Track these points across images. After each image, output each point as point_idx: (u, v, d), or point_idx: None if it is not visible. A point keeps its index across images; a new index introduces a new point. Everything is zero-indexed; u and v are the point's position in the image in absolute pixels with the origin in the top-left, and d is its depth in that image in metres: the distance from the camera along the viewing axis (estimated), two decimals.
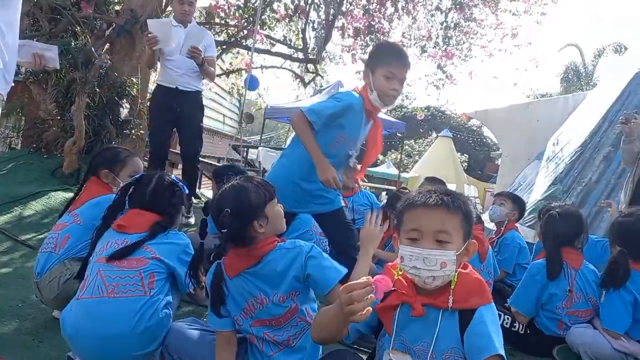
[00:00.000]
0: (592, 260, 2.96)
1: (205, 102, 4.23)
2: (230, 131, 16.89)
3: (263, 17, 6.94)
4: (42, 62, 2.75)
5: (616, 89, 6.69)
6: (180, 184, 2.07)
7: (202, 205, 3.16)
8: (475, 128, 30.75)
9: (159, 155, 4.07)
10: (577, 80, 20.64)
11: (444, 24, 6.95)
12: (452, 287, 1.33)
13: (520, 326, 2.44)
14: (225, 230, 1.59)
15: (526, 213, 6.49)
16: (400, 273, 1.39)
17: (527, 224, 6.07)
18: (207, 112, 15.00)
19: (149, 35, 3.62)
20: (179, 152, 4.41)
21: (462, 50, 7.55)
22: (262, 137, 12.87)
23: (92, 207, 2.19)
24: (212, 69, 4.09)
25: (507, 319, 2.45)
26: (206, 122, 14.30)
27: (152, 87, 5.39)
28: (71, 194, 4.07)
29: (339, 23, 6.94)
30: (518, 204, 3.54)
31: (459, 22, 7.01)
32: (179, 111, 3.94)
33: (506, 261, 3.32)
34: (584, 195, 5.89)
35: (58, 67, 2.92)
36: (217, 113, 16.04)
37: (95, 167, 2.40)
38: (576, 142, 6.63)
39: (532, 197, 6.71)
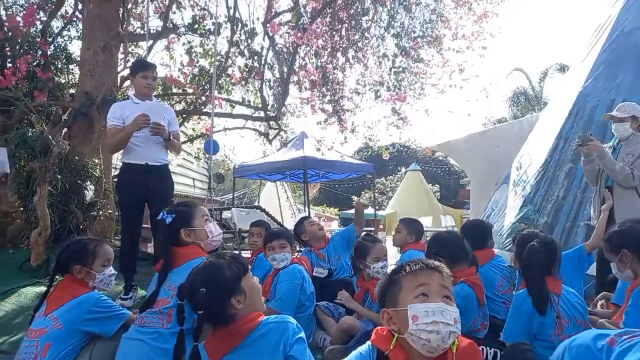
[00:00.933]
0: (571, 274, 2.99)
1: (173, 168, 4.24)
2: (201, 193, 16.77)
3: (220, 81, 7.10)
4: None
5: (565, 107, 7.01)
6: None
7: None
8: (441, 158, 31.49)
9: (132, 233, 3.97)
10: (527, 102, 21.62)
11: (392, 69, 7.25)
12: (454, 350, 1.32)
13: None
14: (202, 312, 1.55)
15: (503, 237, 6.61)
16: (395, 344, 1.35)
17: (506, 248, 6.15)
18: (176, 177, 14.95)
19: (144, 117, 3.61)
20: (149, 226, 4.33)
21: (415, 90, 7.85)
22: (235, 195, 12.82)
23: (73, 309, 2.10)
24: (178, 143, 4.10)
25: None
26: (176, 188, 14.22)
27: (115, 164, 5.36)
28: (42, 288, 3.93)
29: (294, 78, 7.15)
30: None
31: (408, 65, 7.34)
32: (150, 187, 3.88)
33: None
34: (555, 213, 6.03)
35: (8, 172, 2.81)
36: (187, 177, 15.96)
37: (66, 264, 2.29)
38: (537, 162, 6.85)
39: (507, 221, 6.83)
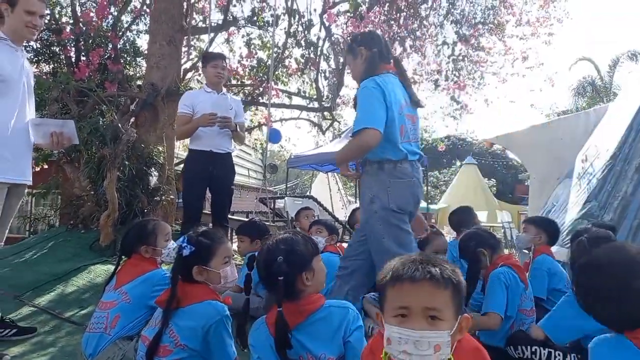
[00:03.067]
0: None
1: None
2: (256, 183, 17.17)
3: (276, 72, 7.22)
4: (61, 140, 2.69)
5: (637, 97, 6.60)
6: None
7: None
8: (499, 152, 30.38)
9: (193, 217, 4.16)
10: (594, 93, 20.36)
11: (452, 57, 7.06)
12: None
13: (574, 359, 2.34)
14: (282, 278, 1.60)
15: (564, 233, 6.33)
16: (387, 357, 1.25)
17: (565, 245, 5.89)
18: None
19: (209, 117, 3.81)
20: (209, 212, 4.52)
21: (475, 79, 7.62)
22: (287, 186, 13.03)
23: (141, 284, 2.25)
24: (243, 134, 4.27)
25: (558, 355, 2.35)
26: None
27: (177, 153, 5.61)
28: (110, 266, 4.21)
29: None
30: (542, 227, 3.44)
31: (467, 53, 7.12)
32: (213, 173, 4.07)
33: (537, 287, 3.20)
34: (622, 210, 5.70)
35: (77, 142, 2.87)
36: (242, 168, 16.39)
37: (131, 246, 2.46)
38: (605, 156, 6.49)
39: (568, 217, 6.52)
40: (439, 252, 2.96)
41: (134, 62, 7.06)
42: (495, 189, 28.22)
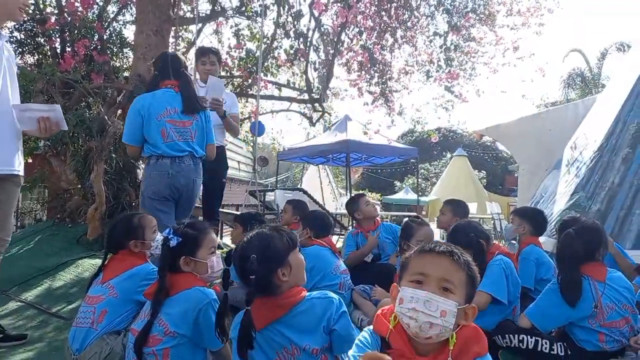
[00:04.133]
0: None
1: None
2: (246, 176, 17.12)
3: (265, 64, 7.16)
4: (48, 125, 2.60)
5: (625, 89, 6.65)
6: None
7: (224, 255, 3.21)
8: (489, 143, 30.60)
9: None
10: (583, 84, 20.51)
11: (444, 47, 7.04)
12: (451, 347, 1.28)
13: (560, 348, 2.36)
14: (253, 277, 1.60)
15: (552, 224, 6.38)
16: (395, 323, 1.34)
17: (554, 236, 5.94)
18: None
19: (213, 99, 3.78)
20: (200, 206, 4.48)
21: (466, 70, 7.61)
22: (278, 179, 13.00)
23: (128, 279, 2.23)
24: (236, 125, 4.23)
25: (545, 343, 2.37)
26: None
27: None
28: (97, 260, 4.17)
29: (342, 60, 7.10)
30: (526, 217, 3.45)
31: (459, 43, 7.10)
32: (205, 167, 4.03)
33: (524, 278, 3.22)
34: (609, 200, 5.76)
35: (66, 128, 2.80)
36: (233, 161, 16.32)
37: (119, 241, 2.41)
38: (593, 147, 6.55)
39: (556, 208, 6.59)
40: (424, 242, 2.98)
41: (120, 53, 6.94)
42: (485, 180, 28.42)
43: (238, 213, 5.18)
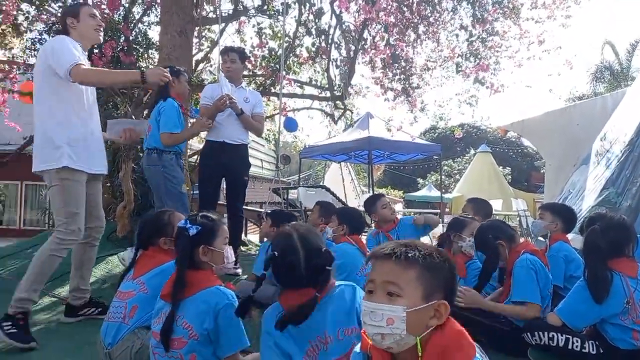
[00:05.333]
0: None
1: None
2: (269, 174, 17.25)
3: (287, 62, 7.19)
4: (129, 135, 3.26)
5: None
6: None
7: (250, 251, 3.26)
8: (513, 139, 30.02)
9: (207, 208, 4.20)
10: (612, 78, 19.96)
11: (469, 40, 6.91)
12: (420, 354, 1.19)
13: (592, 346, 2.32)
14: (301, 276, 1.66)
15: (581, 221, 6.23)
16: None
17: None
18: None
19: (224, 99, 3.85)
20: (225, 203, 4.55)
21: (490, 65, 7.48)
22: (300, 177, 13.04)
23: (158, 275, 2.26)
24: (257, 124, 4.29)
25: (576, 341, 2.33)
26: None
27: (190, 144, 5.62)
28: None
29: (366, 57, 7.07)
30: (558, 214, 3.38)
31: (484, 36, 6.97)
32: (227, 165, 4.09)
33: (554, 275, 3.17)
34: None
35: (144, 137, 3.53)
36: (255, 159, 16.47)
37: (149, 238, 2.47)
38: (623, 140, 6.37)
39: (585, 204, 6.43)
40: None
41: (146, 54, 7.08)
42: (510, 177, 27.93)
43: (262, 210, 5.22)
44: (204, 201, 4.19)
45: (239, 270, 4.14)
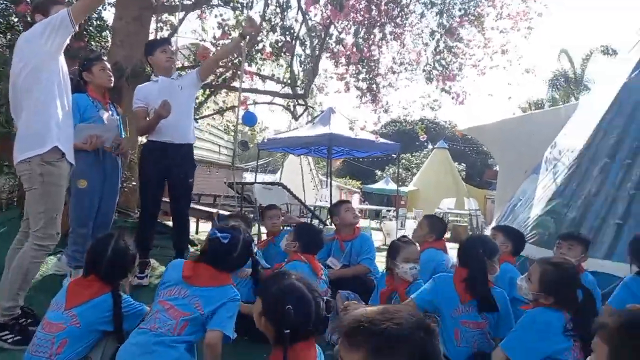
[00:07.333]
0: None
1: (201, 134, 4.24)
2: (226, 160, 16.93)
3: (250, 54, 6.98)
4: (96, 142, 3.22)
5: (608, 98, 6.69)
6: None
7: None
8: (470, 137, 30.85)
9: (150, 211, 4.00)
10: (567, 85, 20.83)
11: (437, 49, 6.94)
12: None
13: None
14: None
15: (528, 229, 6.45)
16: None
17: (530, 241, 6.00)
18: (202, 144, 14.97)
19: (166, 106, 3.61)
20: (168, 201, 4.34)
21: (453, 71, 7.54)
22: (259, 164, 12.87)
23: (92, 309, 2.11)
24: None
25: None
26: (201, 154, 14.43)
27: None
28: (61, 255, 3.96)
29: (329, 52, 6.96)
30: (510, 236, 3.46)
31: (447, 45, 7.02)
32: (170, 165, 3.87)
33: None
34: (584, 209, 5.82)
35: (109, 145, 3.45)
36: (213, 144, 16.09)
37: (114, 277, 2.25)
38: (573, 153, 6.60)
39: (533, 212, 6.66)
40: (409, 261, 2.92)
41: (98, 36, 6.64)
42: (464, 173, 28.75)
43: (214, 211, 5.08)
44: (147, 204, 3.99)
45: (145, 281, 3.88)
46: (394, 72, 7.25)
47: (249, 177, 18.74)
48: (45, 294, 2.69)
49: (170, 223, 4.64)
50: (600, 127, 6.42)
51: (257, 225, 5.59)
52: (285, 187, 7.35)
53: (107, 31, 6.57)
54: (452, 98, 7.03)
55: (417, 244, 3.09)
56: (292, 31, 6.38)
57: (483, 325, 2.52)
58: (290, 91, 6.70)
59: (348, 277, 3.52)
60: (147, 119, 3.87)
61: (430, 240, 3.60)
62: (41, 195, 2.67)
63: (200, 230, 6.56)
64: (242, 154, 19.20)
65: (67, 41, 2.84)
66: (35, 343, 2.07)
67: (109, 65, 3.65)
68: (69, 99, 2.91)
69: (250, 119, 5.49)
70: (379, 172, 30.25)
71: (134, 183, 5.25)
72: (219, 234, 2.16)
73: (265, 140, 10.35)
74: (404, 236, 3.19)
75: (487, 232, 10.25)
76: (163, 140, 3.85)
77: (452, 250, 3.05)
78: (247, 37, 3.96)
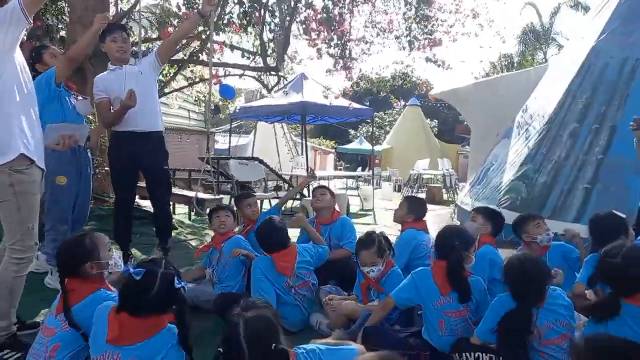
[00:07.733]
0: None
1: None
2: (197, 125, 16.55)
3: (219, 23, 6.69)
4: (69, 142, 2.96)
5: (576, 62, 6.73)
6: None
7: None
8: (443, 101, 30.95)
9: (123, 205, 3.88)
10: (535, 40, 20.87)
11: (415, 17, 6.80)
12: None
13: None
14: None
15: (501, 194, 6.61)
16: None
17: (502, 205, 6.17)
18: (173, 110, 14.50)
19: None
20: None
21: (426, 35, 7.45)
22: (232, 127, 12.63)
23: (80, 312, 2.10)
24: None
25: None
26: (172, 120, 14.04)
27: None
28: None
29: (300, 17, 6.75)
30: (489, 218, 3.51)
31: (425, 13, 6.88)
32: (141, 156, 3.70)
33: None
34: (555, 174, 5.99)
35: (82, 144, 3.32)
36: (183, 110, 15.65)
37: (74, 267, 2.21)
38: (543, 118, 6.70)
39: (505, 177, 6.81)
40: (367, 265, 2.91)
41: (54, 6, 6.20)
42: (436, 129, 29.00)
43: (193, 195, 4.99)
44: (121, 195, 3.84)
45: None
46: (366, 42, 7.11)
47: (220, 140, 18.44)
48: (26, 294, 2.62)
49: (149, 208, 4.54)
50: (569, 91, 6.50)
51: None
52: (261, 161, 7.27)
53: (63, 1, 6.16)
54: (439, 66, 6.97)
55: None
56: (260, 2, 6.10)
57: (464, 313, 2.58)
58: (262, 63, 6.50)
59: (332, 262, 3.49)
60: (112, 109, 3.68)
61: (409, 221, 3.63)
62: (15, 206, 2.54)
63: (178, 212, 6.46)
64: (213, 118, 18.80)
65: (22, 36, 2.52)
66: (34, 347, 2.12)
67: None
68: (33, 98, 2.66)
69: (228, 92, 5.26)
70: (352, 132, 30.22)
71: (106, 168, 5.10)
72: (131, 270, 1.91)
73: (237, 110, 10.11)
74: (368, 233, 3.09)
75: (460, 190, 10.50)
76: (130, 129, 3.65)
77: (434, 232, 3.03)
78: (205, 15, 3.70)
